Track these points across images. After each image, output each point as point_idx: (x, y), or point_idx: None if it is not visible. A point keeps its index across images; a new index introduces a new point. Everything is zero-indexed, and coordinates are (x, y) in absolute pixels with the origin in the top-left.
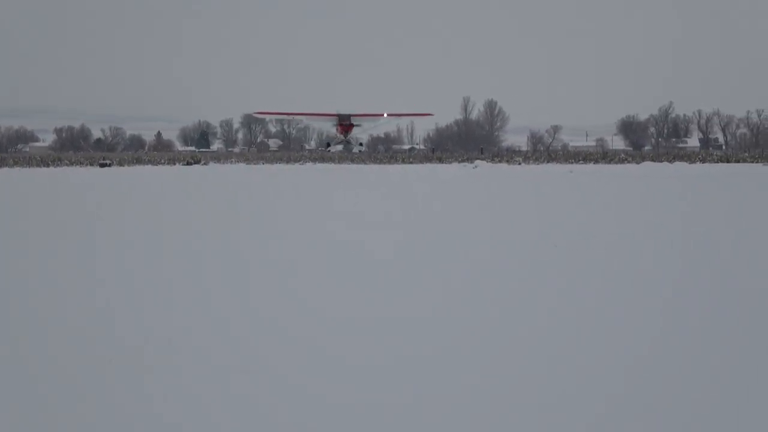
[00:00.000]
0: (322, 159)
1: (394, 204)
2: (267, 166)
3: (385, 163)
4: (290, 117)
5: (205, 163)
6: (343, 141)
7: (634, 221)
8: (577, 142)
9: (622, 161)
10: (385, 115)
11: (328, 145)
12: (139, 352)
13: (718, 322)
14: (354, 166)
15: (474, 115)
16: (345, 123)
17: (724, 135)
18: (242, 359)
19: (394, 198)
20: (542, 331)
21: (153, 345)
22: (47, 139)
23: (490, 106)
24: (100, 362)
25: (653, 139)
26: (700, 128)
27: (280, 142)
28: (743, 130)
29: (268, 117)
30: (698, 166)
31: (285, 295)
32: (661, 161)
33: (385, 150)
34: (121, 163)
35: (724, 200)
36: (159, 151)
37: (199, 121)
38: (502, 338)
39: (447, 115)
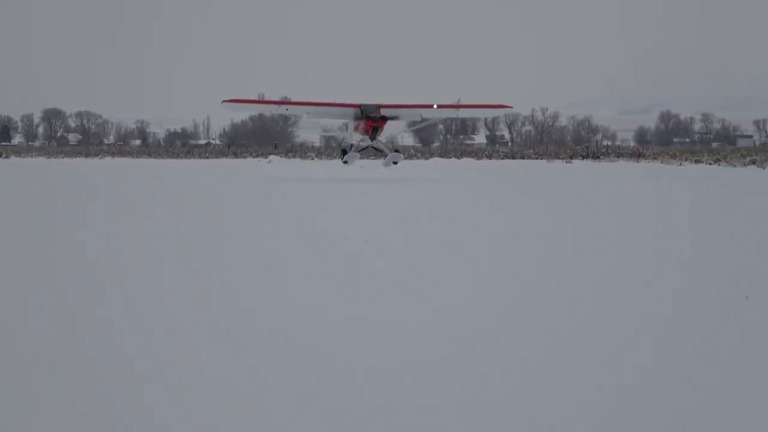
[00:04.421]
0: (121, 153)
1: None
2: (67, 160)
3: (182, 157)
4: (275, 107)
5: (6, 157)
6: (369, 147)
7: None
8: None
9: (411, 157)
10: (435, 106)
11: (345, 153)
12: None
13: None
14: (152, 161)
15: (269, 111)
16: (373, 117)
17: (510, 132)
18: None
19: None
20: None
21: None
22: None
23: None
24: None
25: (441, 135)
26: (486, 125)
27: (80, 137)
28: (528, 127)
29: (237, 107)
30: (485, 161)
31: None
32: (449, 157)
33: (182, 145)
34: None
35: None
36: None
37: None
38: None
39: (243, 112)
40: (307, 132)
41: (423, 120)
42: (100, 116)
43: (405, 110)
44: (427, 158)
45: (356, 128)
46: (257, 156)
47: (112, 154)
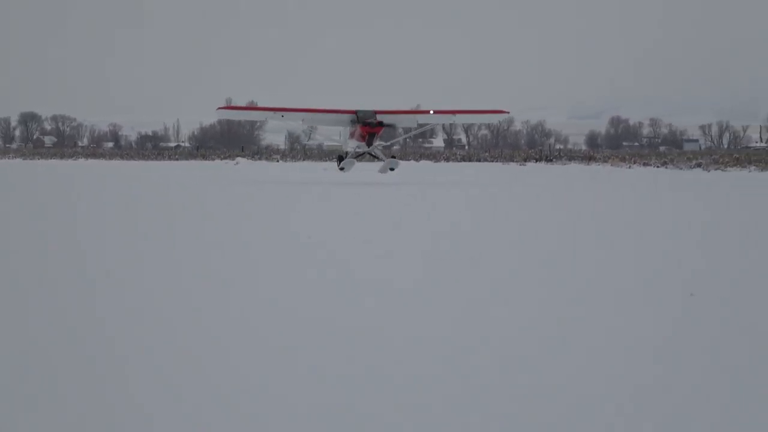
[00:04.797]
0: (94, 155)
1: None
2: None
3: (152, 159)
4: (271, 114)
5: None
6: (365, 153)
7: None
8: (331, 142)
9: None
10: (432, 112)
11: (341, 159)
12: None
13: None
14: (120, 162)
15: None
16: (370, 123)
17: (467, 136)
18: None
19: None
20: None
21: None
22: None
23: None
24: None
25: (402, 138)
26: (444, 130)
27: (55, 139)
28: (485, 131)
29: (231, 114)
30: (443, 164)
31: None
32: (408, 160)
33: (153, 147)
34: None
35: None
36: None
37: None
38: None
39: (211, 116)
40: (273, 135)
41: (419, 126)
42: (74, 119)
43: (401, 116)
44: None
45: (352, 135)
46: (225, 158)
47: (86, 156)
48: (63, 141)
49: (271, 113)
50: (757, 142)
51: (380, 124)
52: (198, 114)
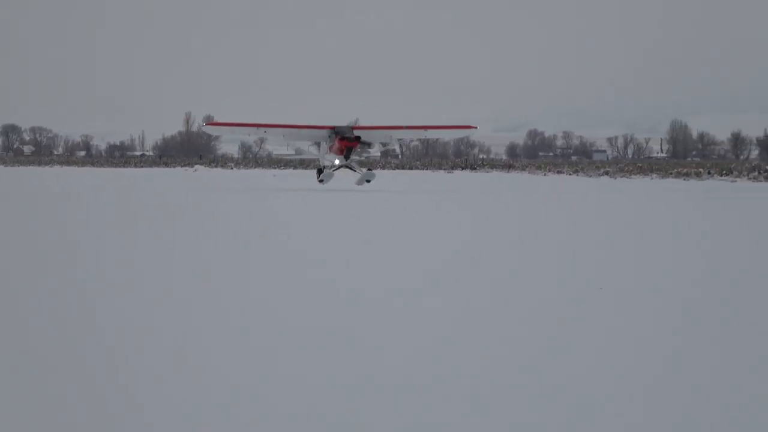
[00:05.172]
0: (68, 163)
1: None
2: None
3: (120, 166)
4: (254, 129)
5: None
6: (343, 165)
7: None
8: (279, 151)
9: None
10: (405, 126)
11: (320, 172)
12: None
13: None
14: (94, 169)
15: (195, 127)
16: (348, 137)
17: (401, 147)
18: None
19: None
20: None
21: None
22: None
23: (208, 119)
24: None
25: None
26: (381, 142)
27: (33, 149)
28: (416, 143)
29: (217, 130)
30: (379, 170)
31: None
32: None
33: (120, 156)
34: None
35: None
36: None
37: None
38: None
39: (173, 127)
40: (227, 145)
41: (394, 140)
42: (50, 131)
43: (377, 132)
44: None
45: (330, 148)
46: (185, 165)
47: (61, 164)
48: (40, 150)
49: (254, 129)
50: (658, 153)
51: (357, 139)
52: (161, 125)
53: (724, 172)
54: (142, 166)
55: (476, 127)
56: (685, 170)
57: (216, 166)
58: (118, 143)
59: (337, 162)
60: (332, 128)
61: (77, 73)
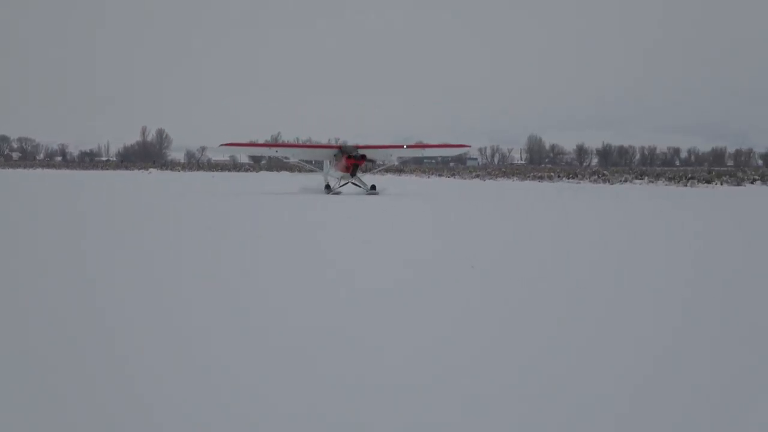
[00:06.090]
0: (48, 167)
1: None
2: None
3: (90, 169)
4: (267, 150)
5: None
6: (349, 182)
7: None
8: (217, 158)
9: (246, 171)
10: (405, 146)
11: (328, 187)
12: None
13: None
14: (66, 171)
15: (150, 137)
16: (354, 156)
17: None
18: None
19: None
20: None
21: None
22: None
23: (160, 133)
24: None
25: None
26: None
27: (20, 155)
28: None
29: (231, 150)
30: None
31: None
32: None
33: (90, 161)
34: None
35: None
36: None
37: None
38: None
39: (132, 137)
40: (175, 152)
41: (394, 158)
42: (34, 140)
43: (379, 150)
44: (258, 171)
45: (337, 166)
46: (141, 169)
47: (42, 167)
48: (26, 156)
49: (266, 149)
50: (518, 160)
51: (362, 157)
52: (123, 136)
53: (570, 175)
54: (106, 169)
55: (470, 146)
56: (539, 174)
57: (166, 169)
58: (88, 150)
59: (343, 181)
60: (339, 148)
61: (53, 88)
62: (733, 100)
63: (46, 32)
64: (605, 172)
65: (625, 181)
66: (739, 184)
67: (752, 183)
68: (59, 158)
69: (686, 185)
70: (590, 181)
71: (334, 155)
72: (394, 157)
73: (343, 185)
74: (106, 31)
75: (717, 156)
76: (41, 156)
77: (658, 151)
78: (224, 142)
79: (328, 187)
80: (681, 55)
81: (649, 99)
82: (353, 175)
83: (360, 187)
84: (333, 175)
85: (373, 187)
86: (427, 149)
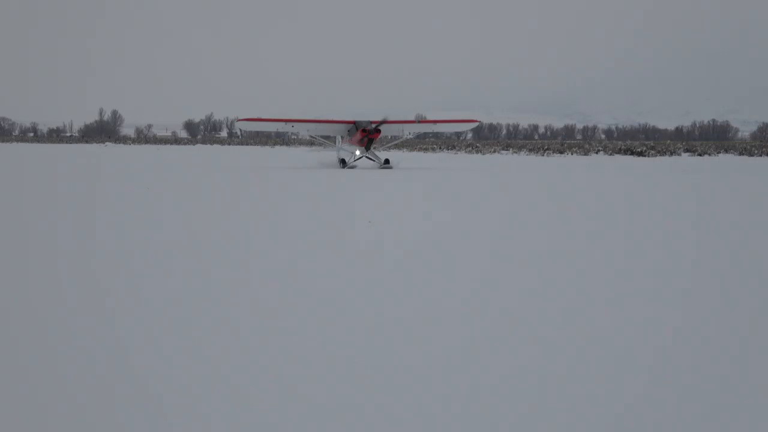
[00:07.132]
0: (22, 141)
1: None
2: None
3: (57, 143)
4: (282, 125)
5: None
6: (363, 156)
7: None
8: (161, 133)
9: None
10: (417, 122)
11: (343, 161)
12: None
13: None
14: (39, 144)
15: (105, 117)
16: (369, 129)
17: None
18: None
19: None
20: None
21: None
22: None
23: (114, 113)
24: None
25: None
26: None
27: None
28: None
29: (250, 125)
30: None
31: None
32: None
33: (56, 136)
34: None
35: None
36: None
37: None
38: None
39: (91, 117)
40: (127, 128)
41: (406, 133)
42: (9, 119)
43: (393, 125)
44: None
45: (352, 140)
46: (98, 143)
47: (17, 141)
48: (3, 132)
49: (282, 124)
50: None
51: (377, 130)
52: (83, 116)
53: (449, 147)
54: (71, 143)
55: (479, 122)
56: (424, 147)
57: (119, 143)
58: (55, 127)
59: (358, 153)
60: (353, 122)
61: (27, 70)
62: (580, 84)
63: (16, 28)
64: (478, 144)
65: (494, 152)
66: (586, 154)
67: (596, 153)
68: (31, 134)
69: (543, 155)
70: (465, 152)
71: (348, 130)
72: (406, 132)
73: (358, 158)
74: (67, 24)
75: (568, 131)
76: (16, 132)
77: (520, 128)
78: (241, 118)
79: (343, 161)
80: (539, 47)
81: (509, 84)
82: (368, 148)
83: (374, 161)
84: (347, 149)
85: (387, 161)
86: (437, 124)
